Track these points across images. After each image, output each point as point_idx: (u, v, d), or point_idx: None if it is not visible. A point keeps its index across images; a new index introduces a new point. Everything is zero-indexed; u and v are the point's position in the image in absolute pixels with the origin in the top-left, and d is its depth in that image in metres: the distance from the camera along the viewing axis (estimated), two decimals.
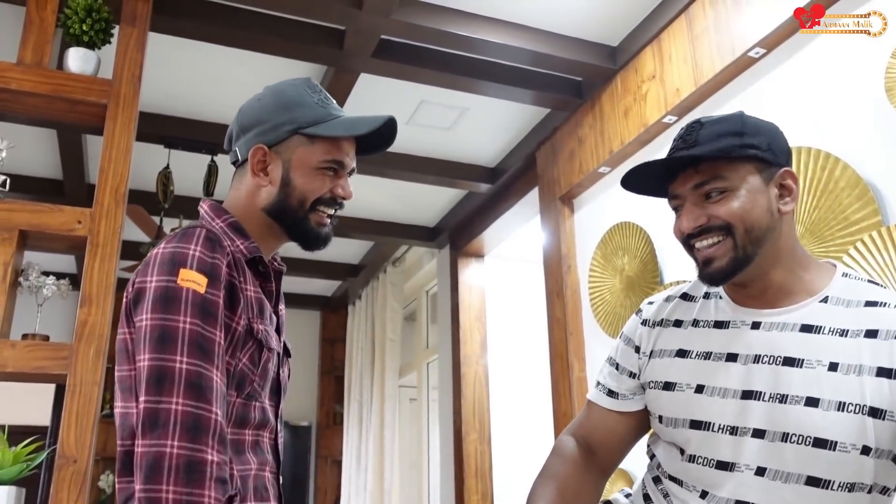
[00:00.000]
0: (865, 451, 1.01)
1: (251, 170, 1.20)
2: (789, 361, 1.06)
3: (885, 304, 1.07)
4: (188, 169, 3.44)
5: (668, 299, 1.25)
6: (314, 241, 1.26)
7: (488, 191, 3.77)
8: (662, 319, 1.22)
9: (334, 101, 1.26)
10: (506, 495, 3.85)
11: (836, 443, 1.01)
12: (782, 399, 1.05)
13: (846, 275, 1.13)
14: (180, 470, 0.93)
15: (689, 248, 1.16)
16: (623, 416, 1.24)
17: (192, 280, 1.02)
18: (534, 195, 3.43)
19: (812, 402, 1.03)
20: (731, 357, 1.11)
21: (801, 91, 2.07)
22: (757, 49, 2.16)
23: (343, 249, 4.88)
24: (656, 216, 2.61)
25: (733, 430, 1.08)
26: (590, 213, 3.01)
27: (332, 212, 1.25)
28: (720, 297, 1.19)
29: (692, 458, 1.12)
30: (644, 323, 1.24)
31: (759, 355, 1.09)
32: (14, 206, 1.97)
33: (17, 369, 1.84)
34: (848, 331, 1.06)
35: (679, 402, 1.14)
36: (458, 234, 4.24)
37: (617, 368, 1.26)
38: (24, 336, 1.95)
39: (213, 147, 3.28)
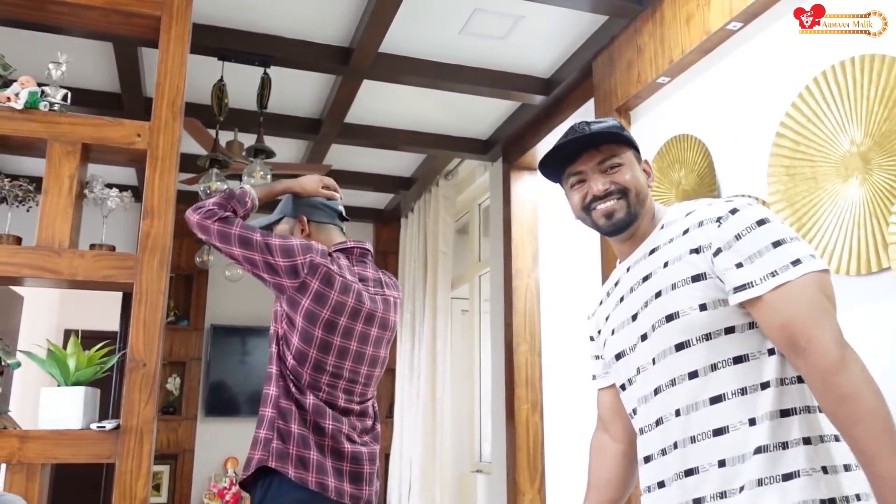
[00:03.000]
0: (703, 307, 1.30)
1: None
2: (646, 278, 1.40)
3: (695, 210, 1.39)
4: (241, 82, 3.45)
5: (599, 298, 1.63)
6: None
7: (542, 102, 3.69)
8: (594, 310, 1.61)
9: None
10: (554, 404, 3.94)
11: (679, 311, 1.32)
12: (645, 304, 1.38)
13: (677, 205, 1.47)
14: None
15: (589, 212, 1.47)
16: (610, 388, 1.59)
17: None
18: (589, 107, 3.35)
19: (658, 294, 1.35)
20: (621, 300, 1.47)
21: None
22: None
23: (395, 162, 4.88)
24: (716, 128, 2.53)
25: (633, 347, 1.41)
26: (647, 125, 2.94)
27: None
28: (616, 266, 1.55)
29: (627, 384, 1.44)
30: (588, 319, 1.64)
31: (632, 286, 1.43)
32: (76, 119, 2.02)
33: (87, 277, 1.93)
34: (673, 238, 1.39)
35: (608, 346, 1.50)
36: (510, 147, 4.19)
37: (594, 358, 1.63)
38: (92, 246, 2.03)
39: (266, 59, 3.27)
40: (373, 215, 5.85)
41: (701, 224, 1.33)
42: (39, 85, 2.06)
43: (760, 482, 1.20)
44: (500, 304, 4.18)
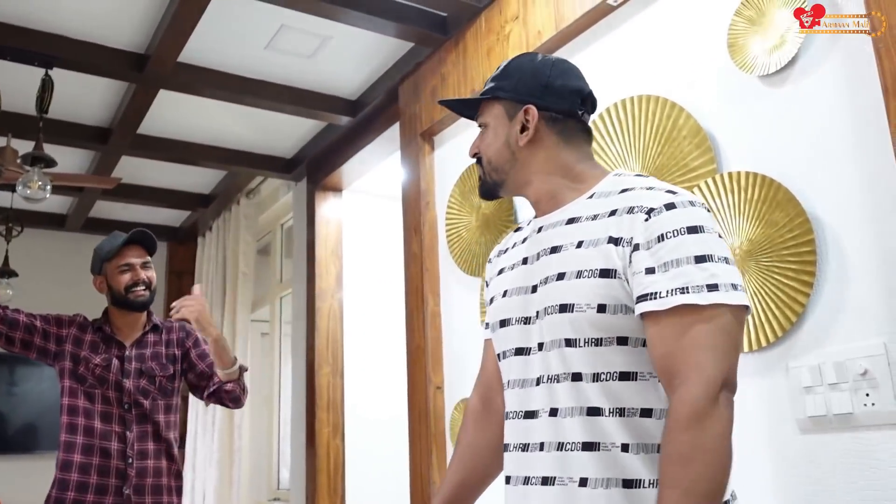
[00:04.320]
0: (601, 308, 1.14)
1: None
2: (554, 249, 1.23)
3: (633, 188, 1.21)
4: (18, 83, 3.13)
5: (508, 237, 1.46)
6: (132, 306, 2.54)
7: (348, 124, 3.70)
8: (498, 251, 1.44)
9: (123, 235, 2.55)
10: (356, 426, 3.92)
11: (574, 305, 1.16)
12: (545, 281, 1.22)
13: (618, 174, 1.29)
14: None
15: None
16: None
17: None
18: (394, 130, 3.41)
19: (561, 276, 1.19)
20: (524, 261, 1.30)
21: (653, 41, 2.17)
22: None
23: (193, 178, 4.66)
24: None
25: (526, 320, 1.25)
26: (449, 151, 3.04)
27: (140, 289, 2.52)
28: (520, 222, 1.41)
29: (501, 356, 1.31)
30: (489, 262, 1.46)
31: (539, 252, 1.27)
32: None
33: None
34: (598, 215, 1.21)
35: (495, 308, 1.34)
36: (316, 167, 4.16)
37: (489, 303, 1.43)
38: None
39: (49, 59, 3.00)
40: (167, 233, 5.53)
41: (631, 211, 1.16)
42: None
43: None
44: (302, 325, 4.11)
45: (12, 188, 3.14)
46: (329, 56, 3.23)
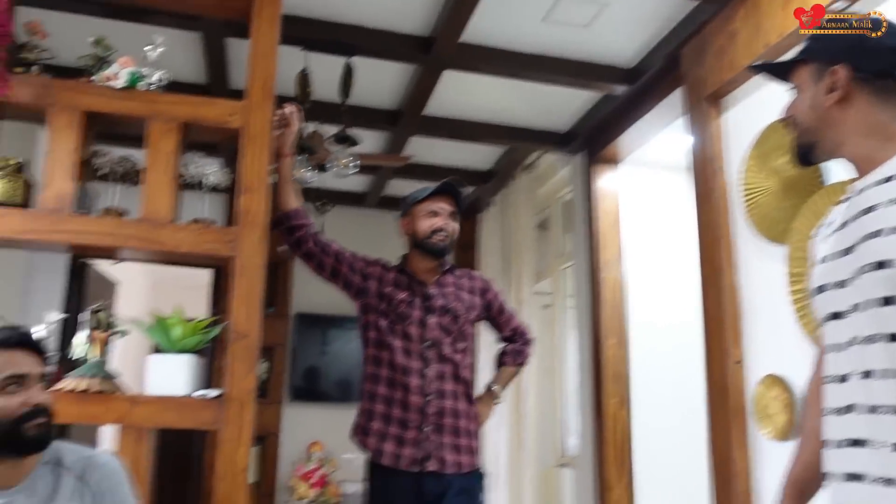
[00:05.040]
0: None
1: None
2: (868, 210, 1.19)
3: None
4: (322, 73, 3.47)
5: (831, 211, 1.38)
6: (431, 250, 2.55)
7: (626, 93, 3.61)
8: (820, 225, 1.38)
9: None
10: (643, 398, 3.86)
11: (892, 261, 1.11)
12: (860, 240, 1.18)
13: None
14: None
15: None
16: None
17: None
18: (675, 96, 3.26)
19: (876, 234, 1.15)
20: (842, 225, 1.25)
21: None
22: None
23: (473, 155, 4.85)
24: None
25: (841, 283, 1.22)
26: (741, 113, 2.84)
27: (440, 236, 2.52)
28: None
29: (821, 322, 1.28)
30: (810, 238, 1.44)
31: (855, 214, 1.22)
32: (174, 98, 2.09)
33: (190, 250, 1.98)
34: None
35: (814, 276, 1.30)
36: (592, 140, 4.12)
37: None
38: (195, 221, 2.08)
39: (350, 48, 3.28)
40: None
41: None
42: None
43: None
44: (585, 298, 4.11)
45: (322, 167, 3.50)
46: (606, 23, 3.17)
